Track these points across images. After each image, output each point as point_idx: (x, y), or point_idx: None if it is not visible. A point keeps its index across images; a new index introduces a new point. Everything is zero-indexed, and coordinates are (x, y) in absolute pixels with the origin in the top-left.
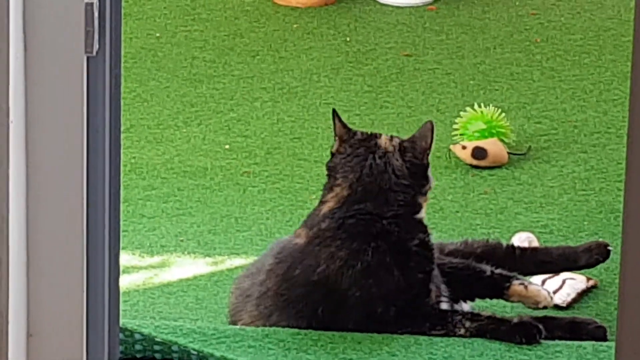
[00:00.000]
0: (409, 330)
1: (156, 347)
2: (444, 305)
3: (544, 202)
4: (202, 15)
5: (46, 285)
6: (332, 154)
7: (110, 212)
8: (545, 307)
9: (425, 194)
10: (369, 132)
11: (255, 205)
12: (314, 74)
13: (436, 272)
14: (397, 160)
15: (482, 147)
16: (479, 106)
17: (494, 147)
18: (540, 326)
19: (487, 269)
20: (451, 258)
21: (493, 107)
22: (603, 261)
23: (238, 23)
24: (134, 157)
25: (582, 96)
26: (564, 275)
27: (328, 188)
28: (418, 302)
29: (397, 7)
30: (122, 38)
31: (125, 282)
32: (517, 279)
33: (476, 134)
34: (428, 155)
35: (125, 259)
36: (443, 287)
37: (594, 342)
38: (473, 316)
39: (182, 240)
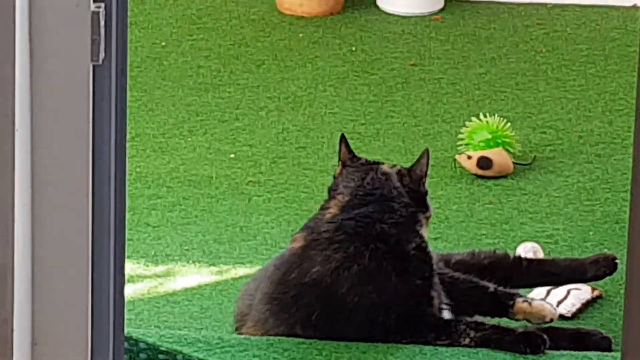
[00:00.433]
0: (414, 340)
1: (161, 356)
2: (447, 314)
3: (549, 212)
4: (207, 24)
5: (51, 294)
6: (335, 178)
7: (116, 220)
8: (551, 320)
9: (427, 217)
10: (373, 160)
11: (261, 215)
12: (320, 84)
13: (437, 279)
14: (397, 181)
15: (487, 157)
16: (485, 116)
17: (499, 157)
18: (545, 336)
19: (491, 286)
20: (452, 271)
21: (498, 117)
22: (610, 274)
23: (243, 32)
24: (139, 166)
25: (587, 106)
26: (569, 285)
27: (330, 198)
28: (420, 310)
29: (403, 17)
30: (128, 47)
31: (130, 291)
32: (520, 296)
33: (481, 144)
34: (424, 182)
35: (130, 267)
36: (444, 296)
37: (598, 353)
38: (477, 325)
39: (187, 249)
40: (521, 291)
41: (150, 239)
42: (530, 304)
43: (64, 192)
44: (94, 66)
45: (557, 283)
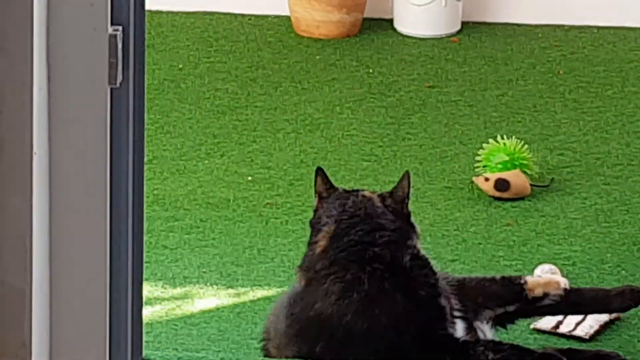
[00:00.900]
0: None
1: None
2: (460, 324)
3: (566, 234)
4: (224, 47)
5: (69, 316)
6: (315, 211)
7: (134, 243)
8: (566, 288)
9: (418, 235)
10: (351, 189)
11: (278, 237)
12: (337, 106)
13: (443, 283)
14: (378, 203)
15: (504, 179)
16: (502, 138)
17: (517, 179)
18: (564, 359)
19: (497, 275)
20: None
21: (516, 139)
22: (635, 306)
23: (261, 55)
24: (157, 189)
25: (604, 128)
26: None
27: (315, 232)
28: (433, 325)
29: (420, 39)
30: (146, 70)
31: (148, 313)
32: (527, 276)
33: (499, 166)
34: (407, 204)
35: (148, 290)
36: (454, 301)
37: None
38: (495, 345)
39: (204, 272)
40: (542, 320)
41: (168, 261)
42: (540, 276)
43: (81, 215)
44: (111, 89)
45: (581, 312)
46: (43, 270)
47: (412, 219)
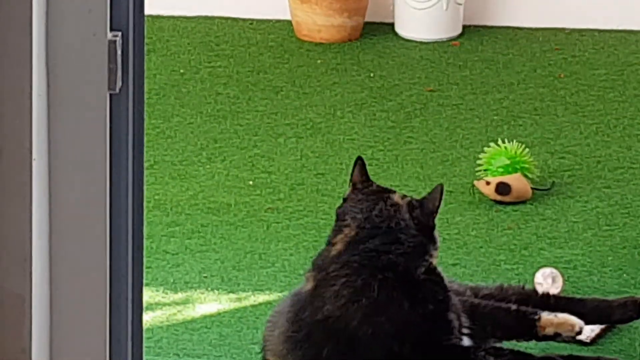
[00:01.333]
0: None
1: None
2: (467, 341)
3: (568, 238)
4: (225, 51)
5: (69, 322)
6: (344, 200)
7: (134, 248)
8: (580, 331)
9: (436, 248)
10: (385, 187)
11: (280, 242)
12: (338, 110)
13: (454, 301)
14: (405, 213)
15: (506, 183)
16: (503, 141)
17: (518, 182)
18: None
19: (512, 305)
20: (473, 298)
21: (517, 143)
22: (637, 318)
23: (262, 59)
24: (158, 194)
25: (606, 131)
26: None
27: (337, 230)
28: (436, 337)
29: (421, 43)
30: (146, 74)
31: (149, 318)
32: (543, 311)
33: (500, 170)
34: (434, 217)
35: (149, 295)
36: (464, 319)
37: None
38: (496, 351)
39: (205, 277)
40: None
41: (169, 266)
42: (556, 315)
43: (81, 221)
44: (111, 95)
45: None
46: (43, 276)
47: (436, 232)
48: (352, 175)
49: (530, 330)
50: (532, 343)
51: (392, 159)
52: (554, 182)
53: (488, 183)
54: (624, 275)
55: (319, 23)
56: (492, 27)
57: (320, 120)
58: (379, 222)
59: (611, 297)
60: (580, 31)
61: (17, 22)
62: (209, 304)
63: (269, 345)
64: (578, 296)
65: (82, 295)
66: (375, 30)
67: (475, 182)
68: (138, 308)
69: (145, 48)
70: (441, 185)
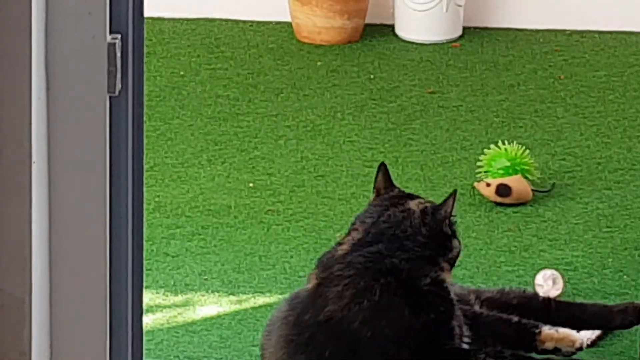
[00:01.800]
0: None
1: None
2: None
3: (568, 239)
4: (225, 53)
5: (69, 325)
6: (368, 205)
7: (134, 250)
8: (580, 348)
9: (449, 259)
10: (406, 193)
11: (280, 244)
12: (338, 112)
13: (458, 312)
14: (417, 219)
15: (506, 185)
16: (503, 143)
17: (518, 184)
18: None
19: (514, 317)
20: (475, 307)
21: (517, 144)
22: (637, 324)
23: (262, 61)
24: (158, 196)
25: (606, 133)
26: None
27: (347, 233)
28: (435, 344)
29: (421, 45)
30: (146, 76)
31: (149, 320)
32: (545, 325)
33: (500, 171)
34: (448, 224)
35: (149, 297)
36: (465, 329)
37: None
38: (497, 353)
39: (206, 279)
40: None
41: (169, 268)
42: (557, 330)
43: (81, 223)
44: (110, 97)
45: (583, 327)
46: (43, 279)
47: (455, 244)
48: (375, 181)
49: (530, 343)
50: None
51: (392, 160)
52: (554, 183)
53: (488, 185)
54: (625, 277)
55: (319, 25)
56: (492, 28)
57: (320, 122)
58: (385, 228)
59: (612, 299)
60: (581, 32)
61: (17, 24)
62: (209, 306)
63: (267, 353)
64: (579, 300)
65: (82, 297)
66: (376, 32)
67: (476, 184)
68: (138, 310)
69: (145, 50)
70: (455, 192)
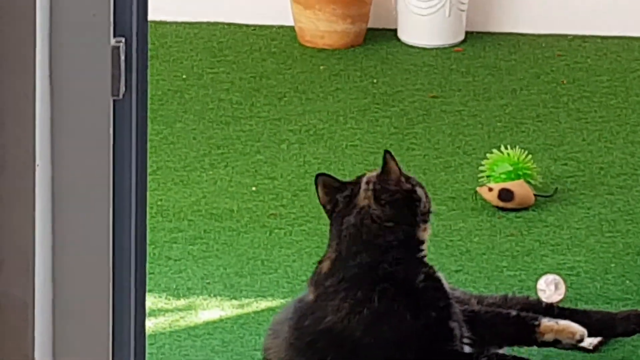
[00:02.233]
0: None
1: None
2: (467, 350)
3: (570, 244)
4: (228, 57)
5: (72, 328)
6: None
7: (137, 254)
8: (581, 339)
9: (423, 220)
10: (350, 187)
11: (282, 248)
12: (341, 116)
13: (455, 309)
14: (374, 210)
15: (508, 189)
16: (506, 148)
17: (521, 189)
18: None
19: (513, 311)
20: (473, 305)
21: (519, 149)
22: None
23: (264, 65)
24: (161, 200)
25: (608, 138)
26: None
27: (325, 251)
28: (438, 345)
29: (424, 49)
30: (149, 80)
31: (152, 324)
32: (544, 317)
33: (502, 176)
34: (403, 183)
35: (152, 301)
36: (465, 328)
37: None
38: (499, 358)
39: (208, 283)
40: None
41: (171, 272)
42: (557, 322)
43: (84, 227)
44: (114, 101)
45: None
46: (46, 282)
47: (418, 188)
48: (318, 198)
49: (530, 336)
50: (535, 350)
51: None
52: (556, 188)
53: (491, 189)
54: (627, 281)
55: (321, 29)
56: (494, 33)
57: (323, 127)
58: (354, 237)
59: (614, 304)
60: (583, 37)
61: (21, 27)
62: (212, 310)
63: (271, 353)
64: (581, 307)
65: (85, 301)
66: (378, 36)
67: (478, 189)
68: (141, 314)
69: (149, 54)
70: (386, 152)
